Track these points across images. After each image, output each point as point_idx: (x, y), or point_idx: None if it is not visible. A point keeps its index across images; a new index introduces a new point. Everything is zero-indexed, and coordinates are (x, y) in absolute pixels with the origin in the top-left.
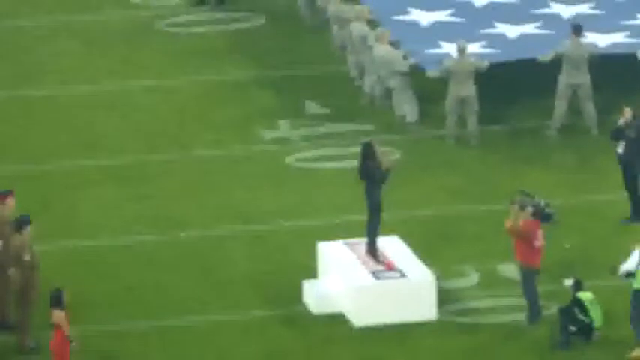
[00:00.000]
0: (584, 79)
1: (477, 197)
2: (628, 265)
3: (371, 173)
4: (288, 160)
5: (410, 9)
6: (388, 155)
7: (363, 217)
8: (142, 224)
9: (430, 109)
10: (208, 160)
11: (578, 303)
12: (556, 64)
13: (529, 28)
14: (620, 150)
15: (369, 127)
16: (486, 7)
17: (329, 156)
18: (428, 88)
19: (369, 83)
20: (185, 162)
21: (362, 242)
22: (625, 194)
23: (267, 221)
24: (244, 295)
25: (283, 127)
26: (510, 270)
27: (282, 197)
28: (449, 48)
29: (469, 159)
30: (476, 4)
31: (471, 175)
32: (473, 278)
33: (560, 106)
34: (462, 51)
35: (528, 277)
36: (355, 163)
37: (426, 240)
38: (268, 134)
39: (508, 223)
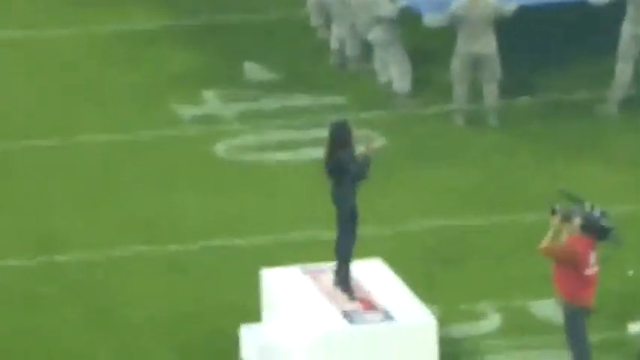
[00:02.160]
0: None
1: (496, 203)
2: None
3: (343, 167)
4: (219, 149)
5: None
6: (368, 141)
7: (329, 232)
8: (9, 246)
9: (429, 73)
10: (102, 150)
11: None
12: (615, 8)
13: None
14: None
15: (338, 101)
16: None
17: (278, 143)
18: (426, 43)
19: (338, 36)
20: (69, 152)
21: (327, 268)
22: None
23: (188, 238)
24: (154, 348)
25: (210, 101)
26: (547, 309)
27: (209, 204)
28: None
29: (485, 147)
30: None
31: (488, 170)
32: (492, 321)
33: (624, 70)
34: None
35: (575, 319)
36: (317, 153)
37: (423, 265)
38: (188, 111)
39: (545, 242)
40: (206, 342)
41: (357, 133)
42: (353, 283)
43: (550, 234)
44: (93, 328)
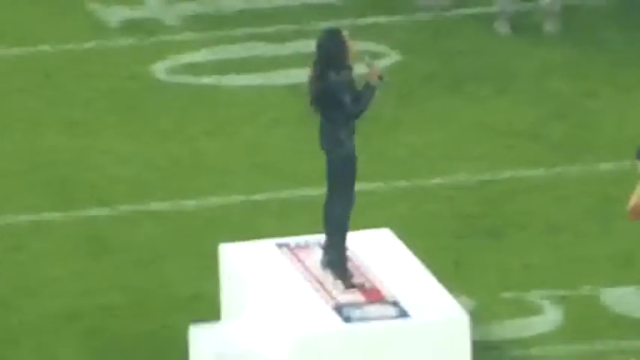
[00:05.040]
0: None
1: (557, 147)
2: None
3: (335, 97)
4: (158, 69)
5: None
6: (372, 61)
7: (316, 191)
8: None
9: None
10: None
11: None
12: None
13: None
14: None
15: None
16: None
17: (242, 61)
18: None
19: None
20: None
21: (313, 242)
22: None
23: (113, 199)
24: (62, 353)
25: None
26: (626, 299)
27: (143, 148)
28: None
29: (541, 66)
30: None
31: (544, 100)
32: (549, 317)
33: None
34: None
35: None
36: (298, 77)
37: (451, 236)
38: (115, 14)
39: (635, 198)
40: (138, 346)
41: (357, 47)
42: (350, 263)
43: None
44: None
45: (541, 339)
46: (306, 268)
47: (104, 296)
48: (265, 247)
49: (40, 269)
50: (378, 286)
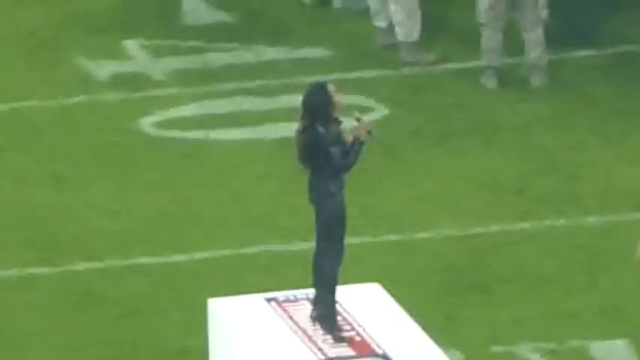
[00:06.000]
0: None
1: (545, 200)
2: None
3: (322, 151)
4: (145, 123)
5: None
6: (360, 115)
7: (305, 245)
8: None
9: (447, 15)
10: None
11: None
12: None
13: None
14: None
15: (315, 54)
16: None
17: (229, 115)
18: None
19: None
20: None
21: (303, 296)
22: None
23: (103, 254)
24: None
25: (135, 55)
26: (616, 352)
27: (131, 203)
28: None
29: (528, 120)
30: None
31: (532, 153)
32: None
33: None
34: None
35: None
36: (286, 131)
37: (440, 290)
38: (103, 69)
39: None
40: None
41: (344, 101)
42: (340, 317)
43: None
44: None
45: None
46: (296, 323)
47: (91, 351)
48: (254, 301)
49: (26, 324)
50: (368, 340)
